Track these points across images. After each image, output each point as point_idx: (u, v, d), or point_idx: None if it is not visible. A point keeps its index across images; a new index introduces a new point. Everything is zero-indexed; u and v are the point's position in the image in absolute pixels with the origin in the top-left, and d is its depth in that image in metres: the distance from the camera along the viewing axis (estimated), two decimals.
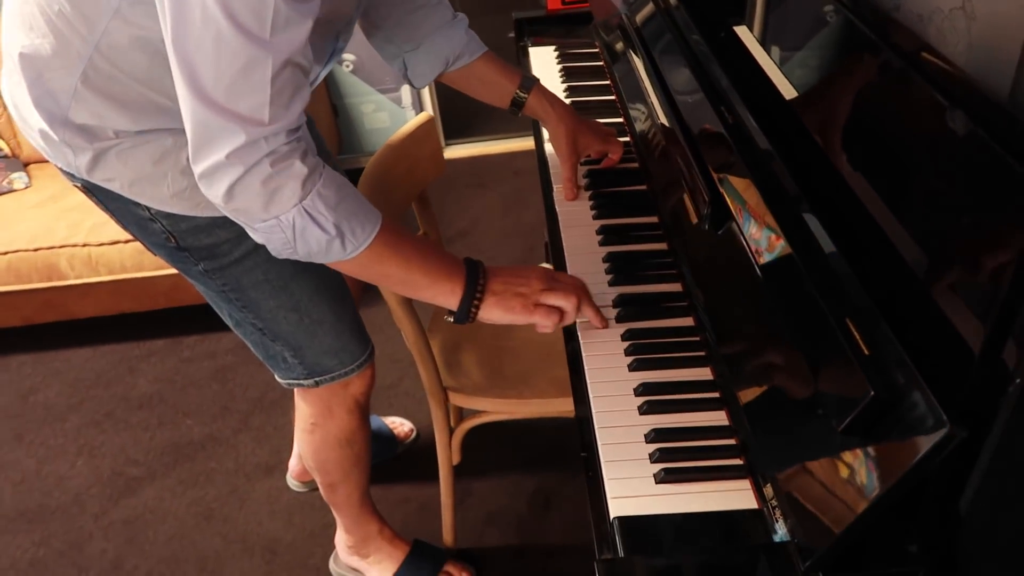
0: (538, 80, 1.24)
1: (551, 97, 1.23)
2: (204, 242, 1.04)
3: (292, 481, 1.80)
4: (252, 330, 1.16)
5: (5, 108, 2.36)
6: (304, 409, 1.30)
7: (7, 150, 2.37)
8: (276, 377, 1.25)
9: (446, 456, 1.46)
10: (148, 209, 1.01)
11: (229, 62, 0.75)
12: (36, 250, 2.06)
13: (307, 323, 1.15)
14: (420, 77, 1.20)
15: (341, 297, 1.19)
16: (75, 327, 2.26)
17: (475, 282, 0.95)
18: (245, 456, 1.90)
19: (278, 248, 0.89)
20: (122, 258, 2.06)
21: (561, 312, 0.96)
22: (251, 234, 0.89)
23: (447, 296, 0.95)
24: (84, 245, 2.05)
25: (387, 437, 1.83)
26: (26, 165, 2.38)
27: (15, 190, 2.29)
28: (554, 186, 1.24)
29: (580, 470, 0.84)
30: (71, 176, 1.03)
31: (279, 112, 0.80)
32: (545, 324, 0.96)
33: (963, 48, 0.97)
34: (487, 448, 1.78)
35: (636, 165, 1.26)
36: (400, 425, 1.88)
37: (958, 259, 0.60)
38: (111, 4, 0.84)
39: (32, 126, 0.98)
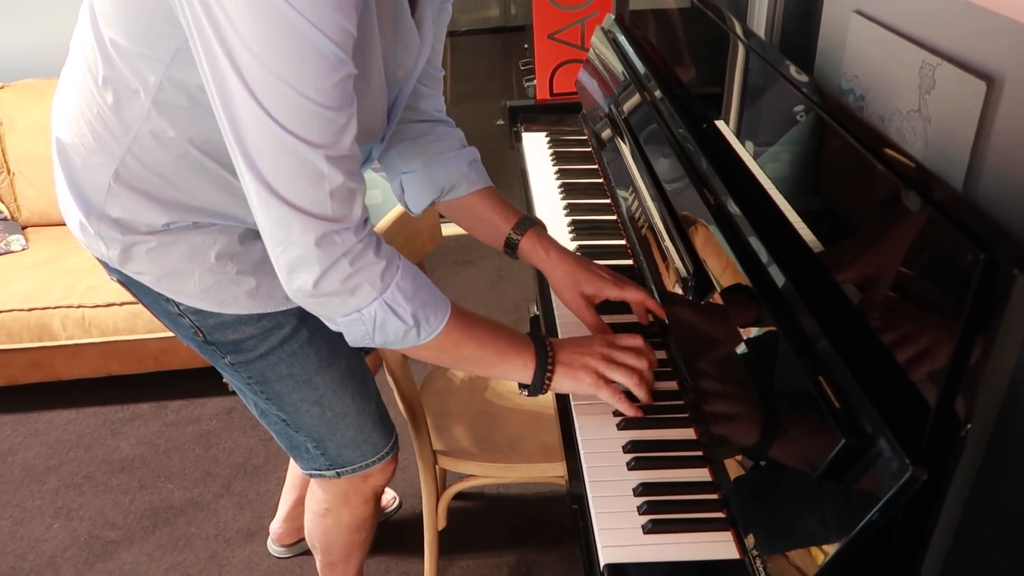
0: (539, 223, 1.17)
1: (547, 243, 1.14)
2: (230, 337, 1.08)
3: (273, 546, 1.79)
4: (276, 420, 1.19)
5: (6, 171, 2.43)
6: (319, 494, 1.32)
7: (6, 213, 2.43)
8: (299, 467, 1.27)
9: (432, 520, 1.48)
10: (177, 305, 1.05)
11: (287, 159, 0.78)
12: (30, 310, 2.09)
13: (329, 416, 1.17)
14: (415, 202, 1.19)
15: (365, 390, 1.21)
16: (60, 388, 2.27)
17: (545, 355, 0.99)
18: (226, 522, 1.90)
19: (357, 338, 0.91)
20: (115, 320, 2.09)
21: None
22: (330, 326, 0.91)
23: (520, 371, 0.99)
24: (79, 306, 2.09)
25: None
26: (24, 228, 2.44)
27: (12, 251, 2.33)
28: None
29: (562, 541, 0.88)
30: (107, 267, 1.07)
31: (341, 207, 0.83)
32: (610, 402, 0.99)
33: (920, 146, 1.07)
34: (470, 517, 1.80)
35: (624, 242, 1.34)
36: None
37: (916, 323, 0.68)
38: (143, 108, 0.89)
39: (71, 217, 1.03)
